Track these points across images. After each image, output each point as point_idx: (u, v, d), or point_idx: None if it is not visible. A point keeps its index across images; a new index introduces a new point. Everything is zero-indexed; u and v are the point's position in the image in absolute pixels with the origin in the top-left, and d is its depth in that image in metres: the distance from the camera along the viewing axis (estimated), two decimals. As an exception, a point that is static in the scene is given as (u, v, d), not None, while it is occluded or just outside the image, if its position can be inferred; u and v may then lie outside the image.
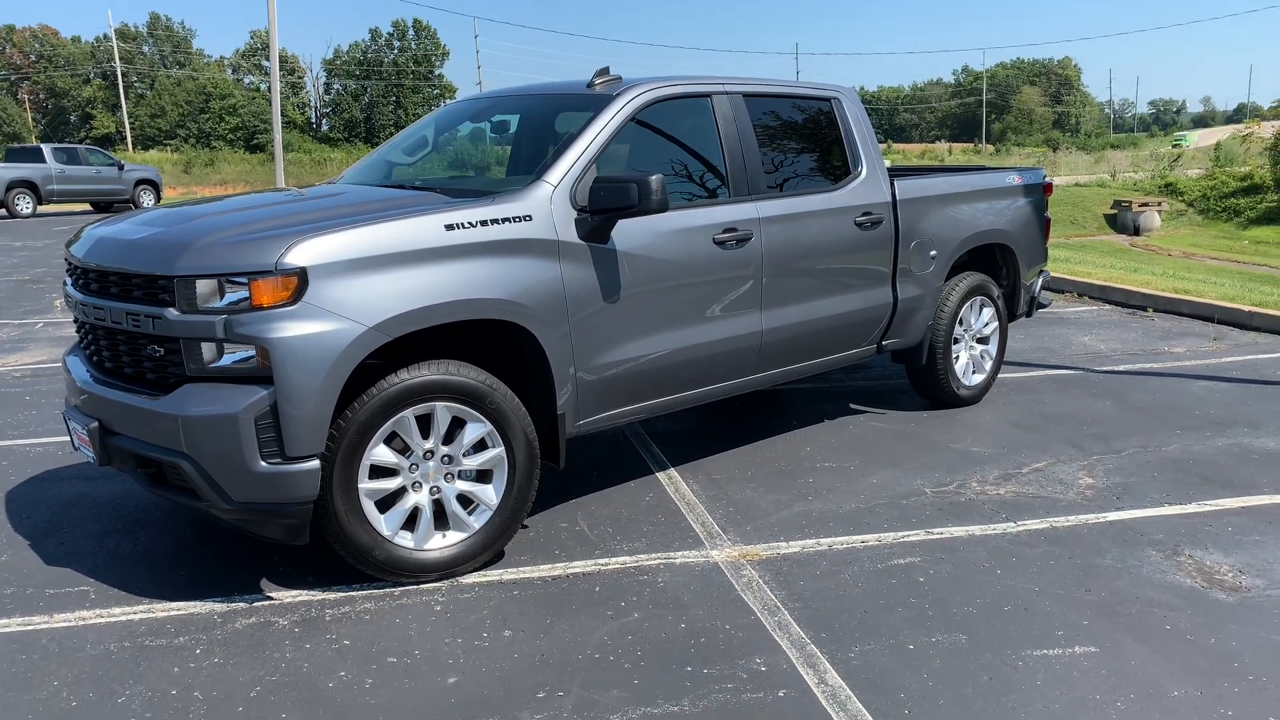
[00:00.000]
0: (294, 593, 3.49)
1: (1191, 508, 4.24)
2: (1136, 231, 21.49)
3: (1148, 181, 25.41)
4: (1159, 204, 22.36)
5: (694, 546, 3.87)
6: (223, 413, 3.10)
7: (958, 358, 5.78)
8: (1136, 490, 4.46)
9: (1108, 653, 3.04)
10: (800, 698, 2.82)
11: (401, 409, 3.37)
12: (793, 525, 4.07)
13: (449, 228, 3.47)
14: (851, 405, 5.95)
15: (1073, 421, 5.55)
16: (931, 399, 5.86)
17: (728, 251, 4.32)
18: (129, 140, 61.51)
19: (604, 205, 3.76)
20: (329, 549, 3.50)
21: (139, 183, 25.77)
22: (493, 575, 3.63)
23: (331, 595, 3.47)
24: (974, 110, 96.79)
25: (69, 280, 3.78)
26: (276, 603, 3.42)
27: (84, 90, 70.39)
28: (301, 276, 3.14)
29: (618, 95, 4.17)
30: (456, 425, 3.53)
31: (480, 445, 3.59)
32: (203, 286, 3.15)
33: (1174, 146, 38.91)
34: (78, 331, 3.85)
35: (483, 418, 3.54)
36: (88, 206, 25.73)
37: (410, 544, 3.50)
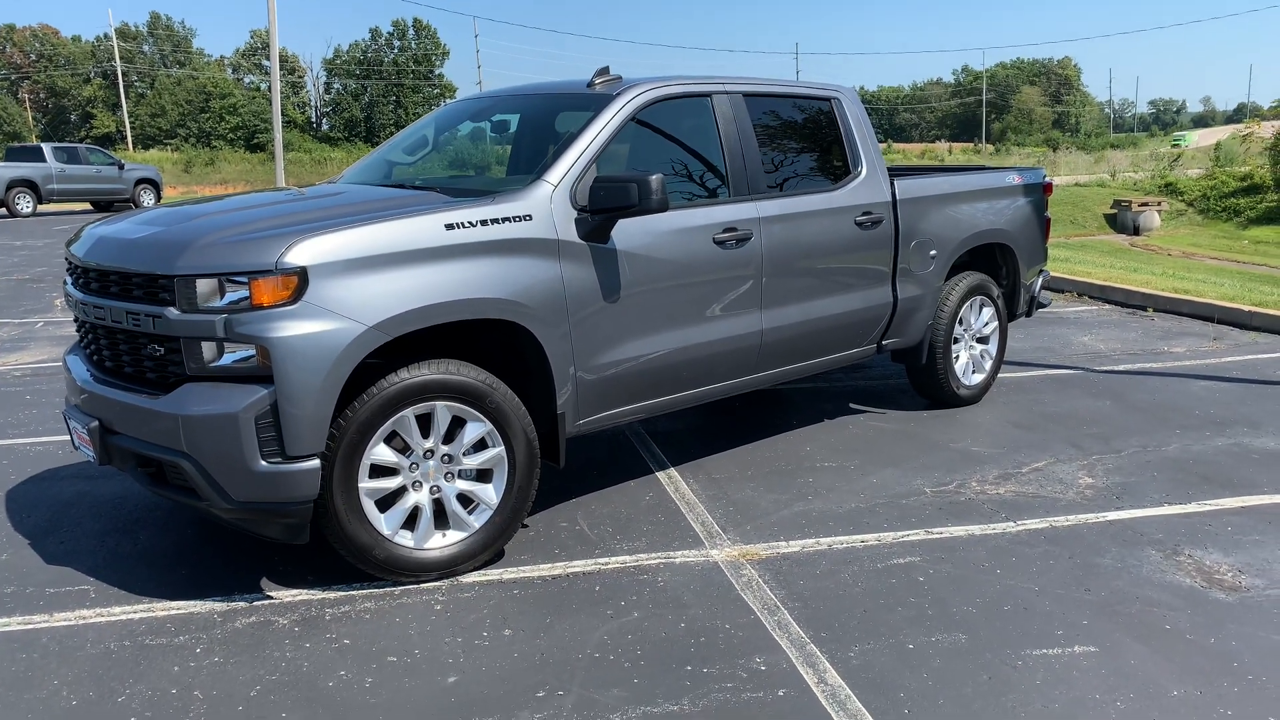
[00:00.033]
0: (294, 592, 3.49)
1: (1191, 507, 4.25)
2: (1136, 231, 21.49)
3: (1147, 181, 25.40)
4: (1159, 204, 22.36)
5: (694, 546, 3.87)
6: (223, 412, 3.11)
7: (957, 357, 5.78)
8: (1136, 490, 4.46)
9: (1107, 652, 3.05)
10: (800, 697, 2.82)
11: (402, 408, 3.37)
12: (793, 525, 4.08)
13: (449, 227, 3.48)
14: (851, 405, 5.95)
15: (1072, 421, 5.55)
16: (931, 399, 5.87)
17: (728, 251, 4.32)
18: (129, 139, 61.50)
19: (604, 205, 3.76)
20: (329, 548, 3.50)
21: (139, 182, 25.77)
22: (493, 574, 3.63)
23: (331, 594, 3.47)
24: (974, 110, 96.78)
25: (69, 279, 3.78)
26: (277, 602, 3.42)
27: (84, 89, 70.40)
28: (302, 276, 3.14)
29: (618, 95, 4.17)
30: (457, 424, 3.53)
31: (480, 444, 3.59)
32: (203, 286, 3.16)
33: (1173, 146, 38.91)
34: (78, 331, 3.85)
35: (483, 417, 3.54)
36: (88, 206, 25.73)
37: (410, 543, 3.50)
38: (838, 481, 4.59)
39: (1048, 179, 6.41)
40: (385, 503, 3.47)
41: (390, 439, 3.41)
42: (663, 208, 3.78)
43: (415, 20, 73.49)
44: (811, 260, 4.73)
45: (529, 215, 3.68)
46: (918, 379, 5.82)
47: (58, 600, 3.44)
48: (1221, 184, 23.64)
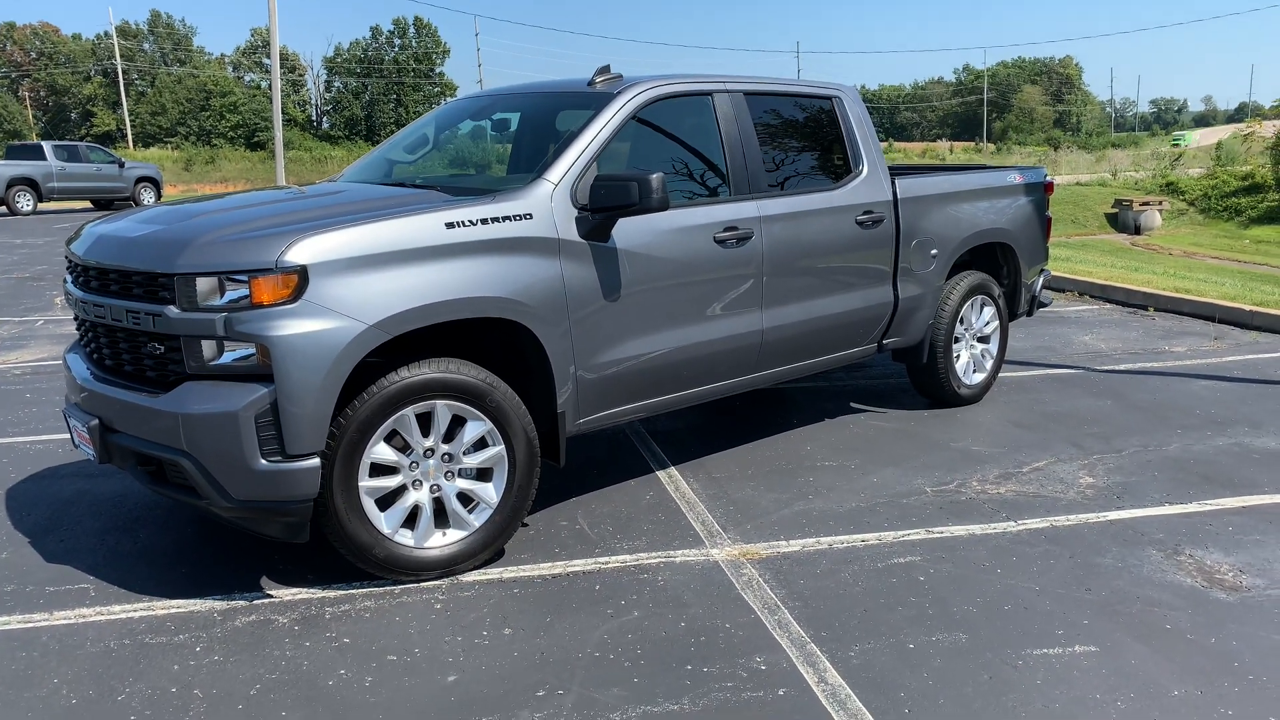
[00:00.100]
0: (294, 591, 3.49)
1: (1192, 507, 4.24)
2: (1137, 230, 21.49)
3: (1149, 180, 25.41)
4: (1160, 203, 22.36)
5: (694, 545, 3.87)
6: (223, 410, 3.10)
7: (958, 357, 5.78)
8: (1137, 489, 4.46)
9: (1108, 652, 3.04)
10: (800, 696, 2.82)
11: (402, 407, 3.37)
12: (793, 524, 4.07)
13: (449, 226, 3.47)
14: (852, 404, 5.95)
15: (1073, 420, 5.54)
16: (932, 398, 5.86)
17: (728, 250, 4.31)
18: (130, 138, 61.48)
19: (605, 204, 3.76)
20: (329, 547, 3.50)
21: (140, 180, 25.75)
22: (493, 573, 3.62)
23: (331, 593, 3.46)
24: (975, 109, 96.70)
25: (69, 278, 3.78)
26: (276, 601, 3.42)
27: (85, 88, 70.39)
28: (302, 274, 3.14)
29: (619, 93, 4.17)
30: (457, 423, 3.53)
31: (480, 443, 3.59)
32: (203, 284, 3.15)
33: (1173, 146, 38.91)
34: (78, 329, 3.85)
35: (483, 416, 3.54)
36: (88, 204, 25.73)
37: (410, 542, 3.50)
38: (838, 481, 4.59)
39: (1049, 178, 6.41)
40: (385, 501, 3.47)
41: (390, 438, 3.41)
42: (663, 206, 3.77)
43: (416, 18, 73.58)
44: (812, 259, 4.73)
45: (529, 214, 3.68)
46: (918, 378, 5.81)
47: (57, 599, 3.44)
48: (1223, 183, 23.65)
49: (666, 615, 3.29)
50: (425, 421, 3.46)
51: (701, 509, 4.24)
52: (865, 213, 4.99)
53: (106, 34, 68.21)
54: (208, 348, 3.16)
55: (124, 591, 3.48)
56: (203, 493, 3.21)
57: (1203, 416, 5.59)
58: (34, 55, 71.18)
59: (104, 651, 3.07)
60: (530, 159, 4.49)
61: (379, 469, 3.42)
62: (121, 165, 25.53)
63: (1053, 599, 3.40)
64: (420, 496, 3.52)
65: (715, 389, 4.51)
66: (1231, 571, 3.61)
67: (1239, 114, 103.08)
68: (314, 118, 75.08)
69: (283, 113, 28.45)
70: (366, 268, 3.26)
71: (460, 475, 3.59)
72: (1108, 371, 6.69)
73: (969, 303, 5.74)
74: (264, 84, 67.97)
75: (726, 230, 4.30)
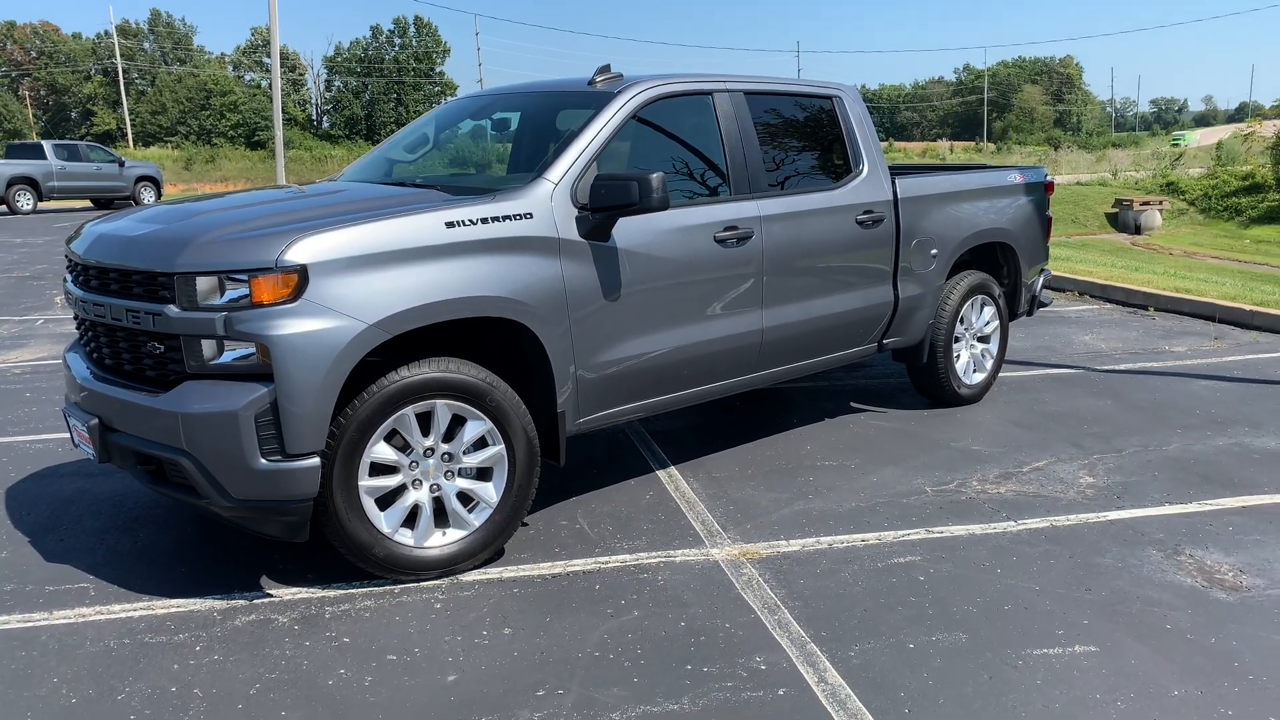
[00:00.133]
0: (294, 590, 3.49)
1: (1192, 507, 4.24)
2: (1138, 230, 21.49)
3: (1149, 180, 25.42)
4: (1160, 203, 22.36)
5: (694, 545, 3.87)
6: (223, 410, 3.10)
7: (958, 356, 5.77)
8: (1137, 489, 4.46)
9: (1108, 652, 3.04)
10: (800, 696, 2.82)
11: (402, 406, 3.37)
12: (793, 524, 4.07)
13: (449, 225, 3.47)
14: (852, 404, 5.95)
15: (1073, 420, 5.54)
16: (932, 398, 5.86)
17: (729, 250, 4.31)
18: (130, 137, 61.47)
19: (605, 203, 3.76)
20: (329, 546, 3.50)
21: (140, 179, 25.75)
22: (493, 573, 3.62)
23: (331, 593, 3.46)
24: (975, 109, 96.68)
25: (69, 277, 3.77)
26: (276, 600, 3.42)
27: (85, 87, 70.38)
28: (302, 274, 3.14)
29: (619, 93, 4.16)
30: (457, 423, 3.53)
31: (480, 443, 3.59)
32: (203, 283, 3.15)
33: (1173, 145, 38.91)
34: (78, 328, 3.85)
35: (483, 415, 3.53)
36: (88, 203, 25.72)
37: (410, 541, 3.50)
38: (838, 480, 4.59)
39: (1049, 178, 6.40)
40: (385, 501, 3.47)
41: (390, 437, 3.41)
42: (663, 206, 3.77)
43: (416, 18, 73.58)
44: (812, 259, 4.73)
45: (529, 213, 3.67)
46: (918, 378, 5.81)
47: (57, 598, 3.44)
48: (1223, 183, 23.66)
49: (666, 615, 3.29)
50: (425, 421, 3.46)
51: (701, 509, 4.24)
52: (865, 212, 4.99)
53: (107, 33, 68.28)
54: (207, 347, 3.16)
55: (124, 591, 3.48)
56: (202, 492, 3.21)
57: (1203, 416, 5.59)
58: (34, 54, 71.19)
59: (104, 651, 3.07)
60: (530, 158, 4.49)
61: (379, 468, 3.42)
62: (121, 164, 25.54)
63: (1053, 599, 3.39)
64: (420, 496, 3.52)
65: (715, 389, 4.50)
66: (1231, 571, 3.61)
67: (1239, 114, 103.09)
68: (314, 117, 75.09)
69: (283, 112, 28.45)
70: (366, 267, 3.25)
71: (460, 475, 3.59)
72: (1108, 371, 6.69)
73: (969, 302, 5.74)
74: (264, 83, 67.97)
75: (727, 230, 4.30)
